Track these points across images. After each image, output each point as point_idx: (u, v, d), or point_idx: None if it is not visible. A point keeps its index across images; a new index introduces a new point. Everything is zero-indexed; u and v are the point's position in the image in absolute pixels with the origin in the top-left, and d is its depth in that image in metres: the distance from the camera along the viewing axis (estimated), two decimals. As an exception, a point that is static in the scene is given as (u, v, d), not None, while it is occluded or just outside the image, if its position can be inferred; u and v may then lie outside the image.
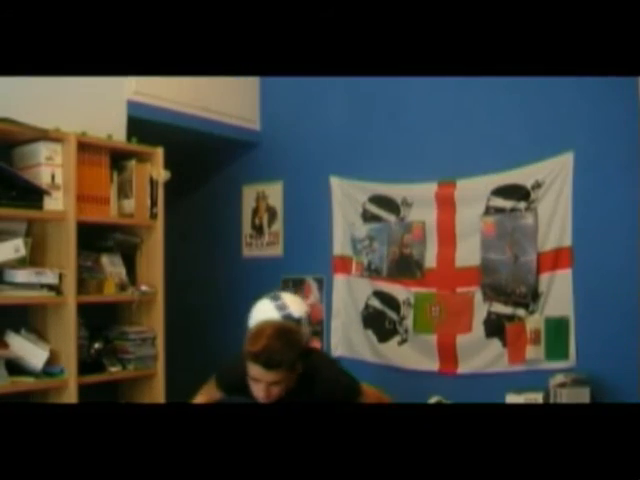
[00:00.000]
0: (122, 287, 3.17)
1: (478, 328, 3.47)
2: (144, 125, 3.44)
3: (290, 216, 4.16)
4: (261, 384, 2.27)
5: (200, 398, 2.65)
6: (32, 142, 2.88)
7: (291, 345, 2.29)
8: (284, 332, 2.33)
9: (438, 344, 3.57)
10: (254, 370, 2.26)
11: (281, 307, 2.65)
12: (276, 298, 2.70)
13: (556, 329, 3.25)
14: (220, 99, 3.96)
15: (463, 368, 3.51)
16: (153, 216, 3.25)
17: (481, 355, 3.46)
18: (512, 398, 3.03)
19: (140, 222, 3.24)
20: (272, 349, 2.23)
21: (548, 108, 3.31)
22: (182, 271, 4.12)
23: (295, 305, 2.69)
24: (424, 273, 3.65)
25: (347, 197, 3.91)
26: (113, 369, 3.10)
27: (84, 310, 2.96)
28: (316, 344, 2.60)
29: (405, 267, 3.71)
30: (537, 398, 3.00)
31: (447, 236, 3.57)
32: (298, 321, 2.61)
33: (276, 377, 2.25)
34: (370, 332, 3.82)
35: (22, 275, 2.76)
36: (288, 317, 2.60)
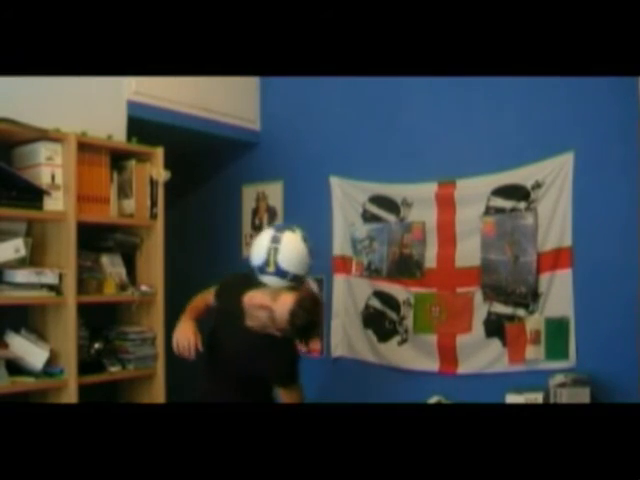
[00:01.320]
0: (122, 287, 3.18)
1: (478, 328, 3.47)
2: (144, 125, 3.44)
3: (290, 216, 4.15)
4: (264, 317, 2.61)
5: (198, 301, 2.97)
6: (32, 142, 2.88)
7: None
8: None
9: (438, 344, 3.57)
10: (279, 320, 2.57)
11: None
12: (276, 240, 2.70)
13: (556, 329, 3.25)
14: (220, 99, 3.96)
15: (463, 368, 3.51)
16: (153, 216, 3.25)
17: (481, 355, 3.46)
18: (512, 398, 3.02)
19: (140, 222, 3.24)
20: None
21: (548, 108, 3.30)
22: (182, 271, 4.12)
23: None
24: (424, 273, 3.64)
25: (347, 197, 3.91)
26: (113, 369, 3.11)
27: (84, 310, 2.96)
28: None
29: (405, 267, 3.71)
30: (537, 398, 3.00)
31: (447, 236, 3.56)
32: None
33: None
34: (370, 332, 3.82)
35: (22, 275, 2.77)
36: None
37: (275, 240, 2.68)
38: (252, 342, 2.67)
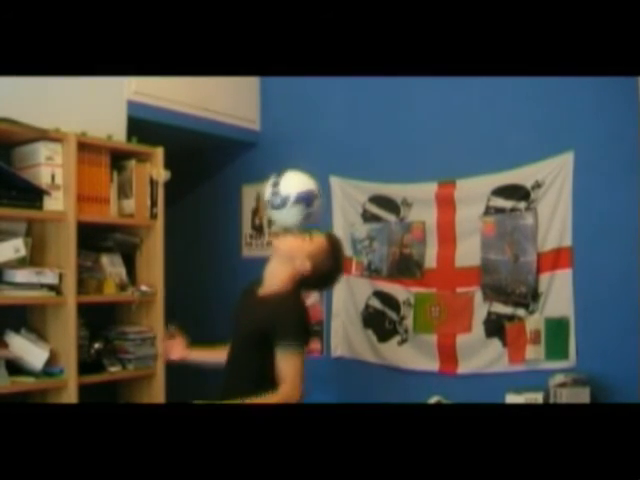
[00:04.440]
0: (122, 287, 3.17)
1: (478, 328, 3.47)
2: (144, 125, 3.44)
3: (290, 216, 4.15)
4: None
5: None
6: (32, 142, 2.88)
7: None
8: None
9: (438, 344, 3.57)
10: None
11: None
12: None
13: (556, 329, 3.25)
14: (220, 99, 3.96)
15: (463, 368, 3.51)
16: (153, 216, 3.25)
17: (481, 355, 3.46)
18: (512, 398, 3.03)
19: (140, 222, 3.24)
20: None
21: (548, 108, 3.30)
22: (182, 271, 4.12)
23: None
24: (424, 273, 3.65)
25: (347, 197, 3.91)
26: (113, 369, 3.10)
27: (84, 310, 2.96)
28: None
29: (405, 267, 3.71)
30: (537, 398, 3.00)
31: (447, 236, 3.57)
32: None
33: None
34: (370, 332, 3.82)
35: (22, 275, 2.76)
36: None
37: (275, 184, 2.73)
38: (262, 301, 2.61)
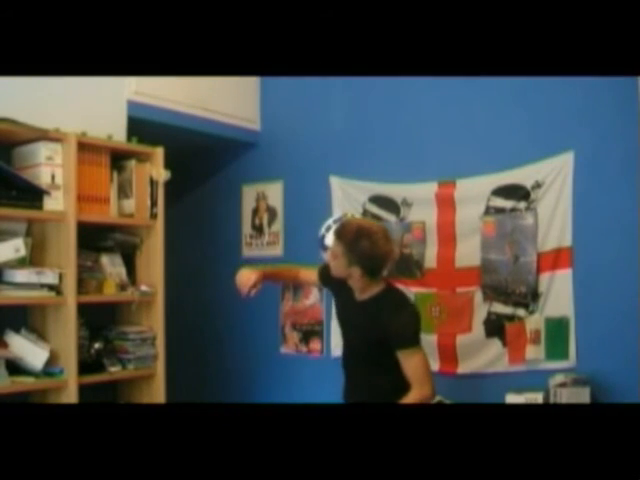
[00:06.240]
0: (122, 287, 3.17)
1: (478, 328, 3.47)
2: (144, 125, 3.44)
3: (290, 216, 4.16)
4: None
5: (285, 269, 3.27)
6: (32, 142, 2.88)
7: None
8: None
9: (438, 344, 3.57)
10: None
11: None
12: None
13: (556, 329, 3.25)
14: (220, 99, 3.96)
15: (463, 368, 3.51)
16: (153, 216, 3.25)
17: (481, 355, 3.46)
18: (512, 398, 3.03)
19: (140, 222, 3.24)
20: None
21: (548, 108, 3.30)
22: (182, 271, 4.12)
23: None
24: (424, 273, 3.64)
25: (347, 197, 3.91)
26: (113, 369, 3.10)
27: (84, 310, 2.96)
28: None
29: (405, 267, 3.71)
30: (537, 398, 3.00)
31: (447, 236, 3.56)
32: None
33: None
34: (370, 332, 3.82)
35: (22, 275, 2.76)
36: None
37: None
38: (364, 311, 2.73)
